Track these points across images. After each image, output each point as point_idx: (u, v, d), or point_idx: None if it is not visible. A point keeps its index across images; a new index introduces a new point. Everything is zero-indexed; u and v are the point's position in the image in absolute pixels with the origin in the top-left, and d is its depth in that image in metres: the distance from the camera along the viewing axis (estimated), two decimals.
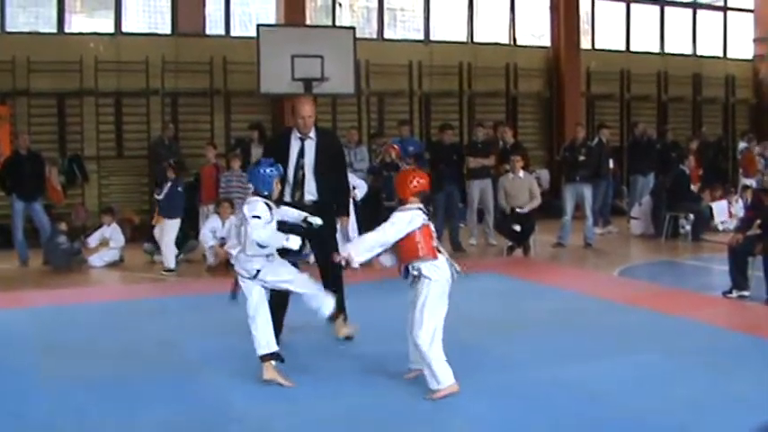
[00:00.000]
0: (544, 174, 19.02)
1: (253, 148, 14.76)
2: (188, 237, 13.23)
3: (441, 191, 13.48)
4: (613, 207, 17.14)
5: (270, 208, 6.14)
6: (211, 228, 12.43)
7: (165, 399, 5.98)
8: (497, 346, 7.32)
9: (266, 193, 6.22)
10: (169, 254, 12.26)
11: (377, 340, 7.27)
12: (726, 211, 16.11)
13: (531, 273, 11.76)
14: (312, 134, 7.52)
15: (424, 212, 5.89)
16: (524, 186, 13.41)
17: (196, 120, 17.42)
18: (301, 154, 7.46)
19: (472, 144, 15.34)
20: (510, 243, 13.35)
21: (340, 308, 7.58)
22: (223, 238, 12.29)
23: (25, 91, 15.94)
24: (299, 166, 7.45)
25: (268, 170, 6.27)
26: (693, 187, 15.59)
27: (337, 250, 7.89)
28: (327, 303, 6.36)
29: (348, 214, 8.28)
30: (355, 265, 5.82)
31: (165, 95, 17.04)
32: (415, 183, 5.96)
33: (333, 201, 7.64)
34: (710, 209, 15.83)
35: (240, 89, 17.33)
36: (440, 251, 5.90)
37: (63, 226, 13.06)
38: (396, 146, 13.38)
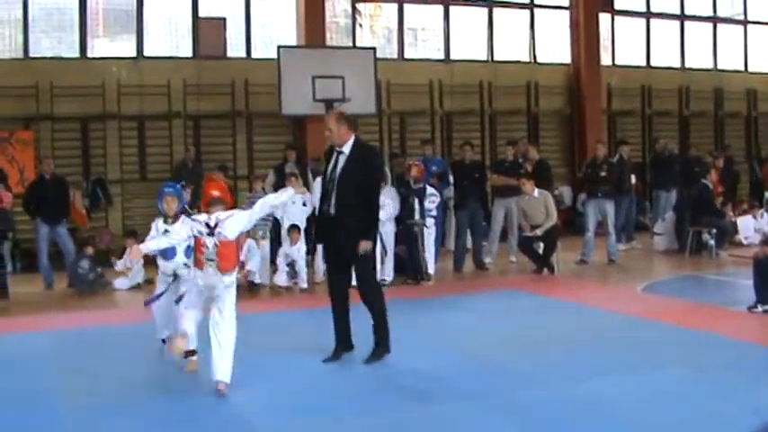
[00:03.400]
0: (566, 191, 18.99)
1: (286, 168, 14.67)
2: None
3: (465, 208, 13.46)
4: (637, 223, 17.08)
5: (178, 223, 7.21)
6: None
7: (189, 425, 5.97)
8: (522, 363, 7.31)
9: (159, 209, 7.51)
10: None
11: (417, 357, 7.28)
12: (751, 228, 15.98)
13: (555, 290, 11.71)
14: (346, 148, 7.40)
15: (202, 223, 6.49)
16: (540, 205, 13.32)
17: (218, 142, 17.49)
18: (334, 167, 7.43)
19: (499, 162, 15.33)
20: (535, 267, 13.26)
21: (385, 343, 7.43)
22: (242, 261, 12.28)
23: (49, 115, 16.11)
24: (330, 179, 7.42)
25: (164, 189, 7.35)
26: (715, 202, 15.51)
27: (368, 270, 7.62)
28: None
29: (368, 237, 7.34)
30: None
31: (187, 118, 17.17)
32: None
33: (352, 219, 7.25)
34: (734, 224, 15.75)
35: (262, 111, 17.44)
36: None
37: (90, 251, 13.13)
38: (419, 164, 13.15)
